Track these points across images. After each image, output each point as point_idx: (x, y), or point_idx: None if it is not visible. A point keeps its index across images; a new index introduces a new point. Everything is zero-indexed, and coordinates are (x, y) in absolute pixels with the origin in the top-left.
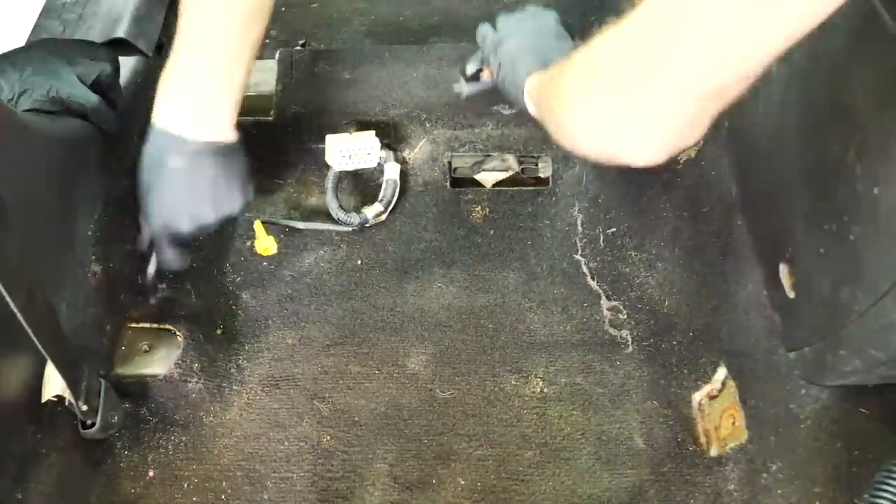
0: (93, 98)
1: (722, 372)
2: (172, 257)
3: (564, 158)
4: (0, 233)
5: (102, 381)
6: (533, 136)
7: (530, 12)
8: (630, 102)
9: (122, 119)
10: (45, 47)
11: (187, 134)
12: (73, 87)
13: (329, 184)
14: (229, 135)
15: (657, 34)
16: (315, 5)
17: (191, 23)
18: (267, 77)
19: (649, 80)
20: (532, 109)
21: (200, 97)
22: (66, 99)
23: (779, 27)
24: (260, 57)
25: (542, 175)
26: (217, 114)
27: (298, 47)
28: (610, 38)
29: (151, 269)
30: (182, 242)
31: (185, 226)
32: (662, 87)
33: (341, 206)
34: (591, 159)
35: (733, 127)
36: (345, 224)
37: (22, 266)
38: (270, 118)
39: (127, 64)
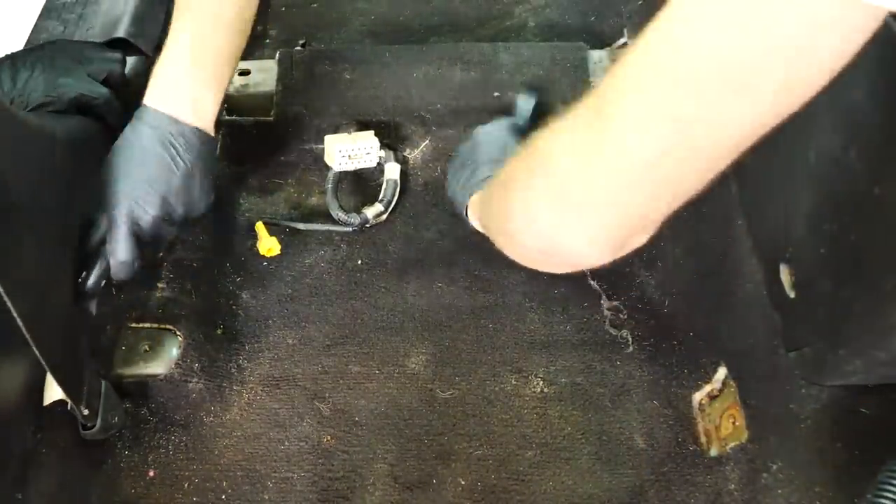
0: (104, 91)
1: (722, 372)
2: (124, 252)
3: None
4: (5, 234)
5: (103, 381)
6: None
7: (488, 126)
8: (566, 193)
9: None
10: (54, 47)
11: (180, 116)
12: (83, 83)
13: (329, 184)
14: (211, 130)
15: (602, 118)
16: (315, 5)
17: (185, 14)
18: (267, 77)
19: (589, 166)
20: (475, 223)
21: (194, 86)
22: (76, 96)
23: (746, 116)
24: (260, 57)
25: None
26: (207, 105)
27: (298, 47)
28: (551, 130)
29: (95, 272)
30: (141, 234)
31: (152, 210)
32: (604, 176)
33: (341, 207)
34: (531, 266)
35: None
36: (345, 224)
37: (22, 267)
38: (270, 118)
39: (127, 64)
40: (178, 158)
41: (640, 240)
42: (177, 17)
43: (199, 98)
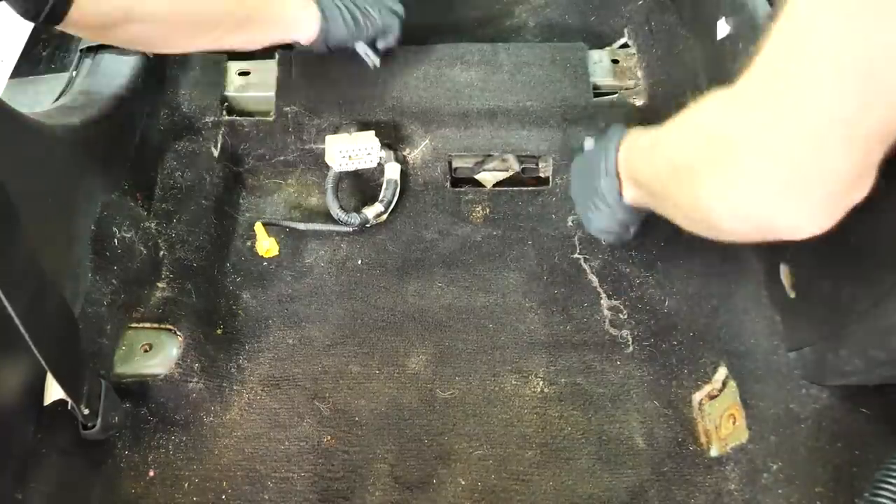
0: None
1: (722, 372)
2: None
3: (565, 159)
4: (4, 234)
5: (103, 381)
6: (533, 137)
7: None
8: (782, 159)
9: (122, 118)
10: None
11: None
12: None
13: (329, 184)
14: None
15: (795, 71)
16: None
17: None
18: (267, 77)
19: (800, 124)
20: (631, 193)
21: None
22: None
23: None
24: (260, 57)
25: (542, 175)
26: None
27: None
28: (730, 93)
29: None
30: None
31: None
32: (817, 130)
33: (341, 207)
34: (741, 239)
35: None
36: (345, 224)
37: (23, 268)
38: (270, 118)
39: (127, 64)
40: None
41: (862, 192)
42: None
43: None
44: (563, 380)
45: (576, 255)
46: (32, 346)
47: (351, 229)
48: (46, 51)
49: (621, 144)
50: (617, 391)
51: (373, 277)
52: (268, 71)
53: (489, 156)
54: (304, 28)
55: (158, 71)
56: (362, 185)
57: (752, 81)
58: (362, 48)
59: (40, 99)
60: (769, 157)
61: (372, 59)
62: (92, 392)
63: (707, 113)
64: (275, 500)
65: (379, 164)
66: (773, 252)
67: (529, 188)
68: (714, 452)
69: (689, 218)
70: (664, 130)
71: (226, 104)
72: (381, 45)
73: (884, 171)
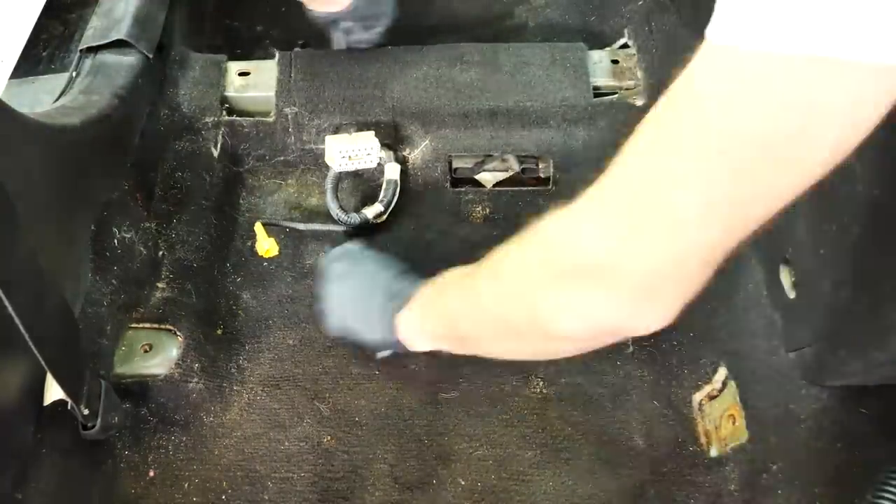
0: None
1: (722, 372)
2: None
3: (565, 159)
4: (4, 234)
5: (102, 381)
6: (533, 137)
7: (335, 263)
8: (640, 274)
9: (122, 118)
10: None
11: None
12: None
13: (329, 184)
14: None
15: (659, 194)
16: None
17: None
18: (267, 77)
19: (662, 248)
20: (411, 338)
21: None
22: None
23: (792, 183)
24: (260, 57)
25: (542, 175)
26: None
27: (298, 47)
28: (578, 205)
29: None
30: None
31: None
32: (678, 255)
33: (341, 207)
34: (571, 348)
35: None
36: (345, 224)
37: (23, 268)
38: (270, 118)
39: (127, 64)
40: None
41: (691, 295)
42: None
43: None
44: (563, 380)
45: None
46: (32, 346)
47: (351, 229)
48: (46, 51)
49: (405, 307)
50: (617, 391)
51: None
52: (268, 71)
53: (489, 156)
54: None
55: (158, 71)
56: (362, 186)
57: (608, 193)
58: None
59: (40, 99)
60: (625, 271)
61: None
62: (92, 392)
63: (551, 227)
64: (275, 500)
65: (379, 164)
66: (773, 252)
67: (529, 188)
68: (714, 452)
69: (517, 337)
70: (483, 261)
71: (226, 104)
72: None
73: (884, 174)
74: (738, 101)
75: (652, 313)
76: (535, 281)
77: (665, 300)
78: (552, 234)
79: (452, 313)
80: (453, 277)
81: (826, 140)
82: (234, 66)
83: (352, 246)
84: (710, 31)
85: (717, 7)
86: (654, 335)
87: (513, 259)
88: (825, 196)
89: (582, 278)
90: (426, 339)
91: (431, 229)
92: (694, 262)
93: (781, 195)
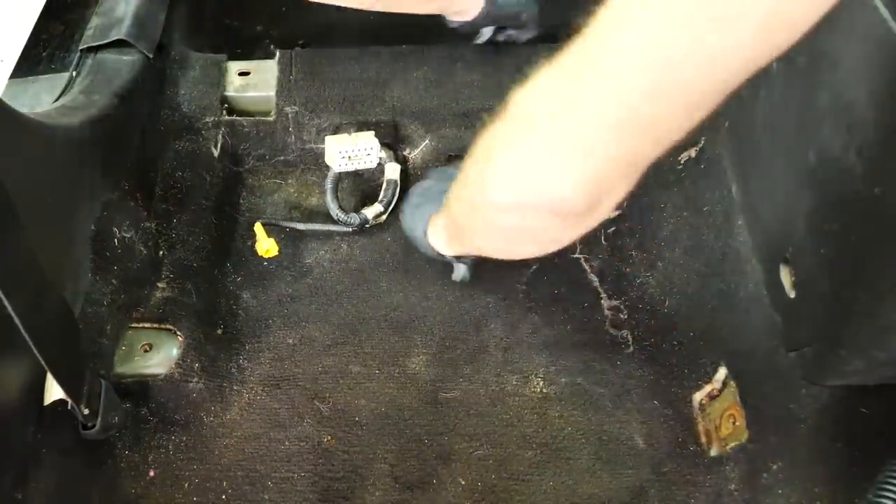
0: None
1: (722, 372)
2: None
3: None
4: (3, 234)
5: (103, 381)
6: None
7: (433, 174)
8: (550, 140)
9: (122, 118)
10: None
11: None
12: None
13: (329, 184)
14: None
15: (586, 63)
16: (315, 5)
17: None
18: (267, 77)
19: (573, 111)
20: (439, 245)
21: None
22: None
23: (729, 51)
24: (260, 57)
25: None
26: None
27: (298, 47)
28: (529, 85)
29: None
30: None
31: None
32: (590, 119)
33: (341, 207)
34: (506, 253)
35: (733, 126)
36: (345, 224)
37: (21, 268)
38: (270, 118)
39: (127, 64)
40: None
41: (620, 193)
42: None
43: None
44: (563, 380)
45: (576, 255)
46: (32, 346)
47: (351, 229)
48: (46, 51)
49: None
50: (617, 391)
51: (373, 277)
52: (268, 71)
53: None
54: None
55: (158, 71)
56: (362, 186)
57: (563, 56)
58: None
59: (40, 99)
60: (554, 127)
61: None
62: (92, 392)
63: (515, 95)
64: (275, 500)
65: (379, 164)
66: (773, 252)
67: None
68: (714, 452)
69: (473, 206)
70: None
71: (226, 104)
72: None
73: (884, 173)
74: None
75: (566, 181)
76: (491, 146)
77: (581, 174)
78: (512, 100)
79: (451, 209)
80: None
81: (767, 3)
82: (234, 66)
83: (449, 170)
84: None
85: None
86: (654, 335)
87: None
88: (825, 196)
89: (525, 127)
90: (445, 242)
91: None
92: (616, 132)
93: (714, 64)
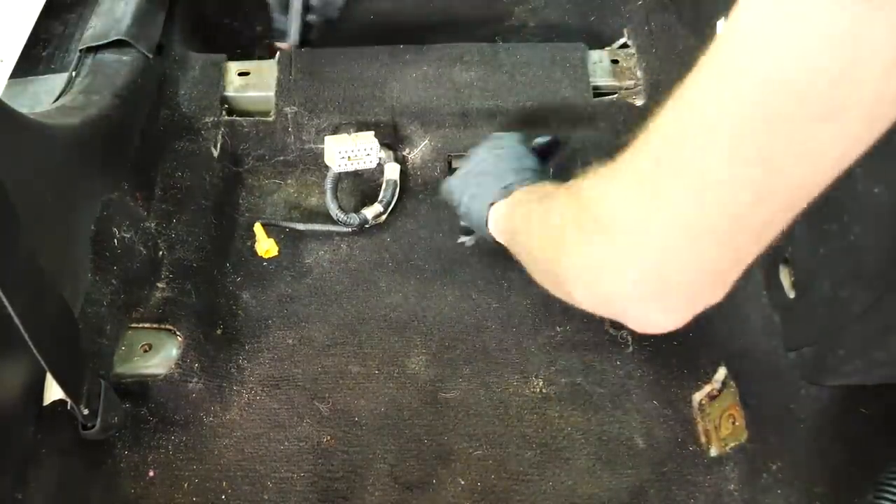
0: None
1: (722, 372)
2: None
3: (565, 159)
4: (3, 234)
5: (102, 381)
6: (533, 137)
7: (491, 141)
8: (634, 257)
9: (122, 118)
10: None
11: None
12: None
13: (329, 184)
14: None
15: (668, 165)
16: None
17: None
18: (267, 77)
19: (659, 223)
20: (501, 239)
21: None
22: None
23: (836, 144)
24: (260, 57)
25: None
26: None
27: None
28: (600, 179)
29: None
30: None
31: None
32: (679, 233)
33: (341, 207)
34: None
35: None
36: (344, 224)
37: (21, 268)
38: (270, 118)
39: (127, 64)
40: None
41: (718, 296)
42: None
43: None
44: (563, 380)
45: None
46: (32, 346)
47: (350, 230)
48: (46, 51)
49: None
50: (617, 391)
51: (372, 278)
52: (268, 71)
53: None
54: None
55: (158, 71)
56: (362, 186)
57: (638, 155)
58: None
59: (40, 99)
60: (638, 241)
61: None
62: (91, 392)
63: (587, 184)
64: (275, 500)
65: (378, 164)
66: (773, 252)
67: None
68: (714, 452)
69: (553, 287)
70: (549, 191)
71: (225, 104)
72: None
73: (883, 173)
74: (773, 39)
75: (657, 308)
76: (561, 234)
77: (672, 297)
78: (584, 189)
79: (514, 227)
80: (529, 196)
81: (873, 88)
82: (234, 66)
83: (510, 136)
84: None
85: None
86: (654, 335)
87: (555, 204)
88: (825, 196)
89: (600, 239)
90: (501, 236)
91: (431, 229)
92: (712, 239)
93: (820, 160)
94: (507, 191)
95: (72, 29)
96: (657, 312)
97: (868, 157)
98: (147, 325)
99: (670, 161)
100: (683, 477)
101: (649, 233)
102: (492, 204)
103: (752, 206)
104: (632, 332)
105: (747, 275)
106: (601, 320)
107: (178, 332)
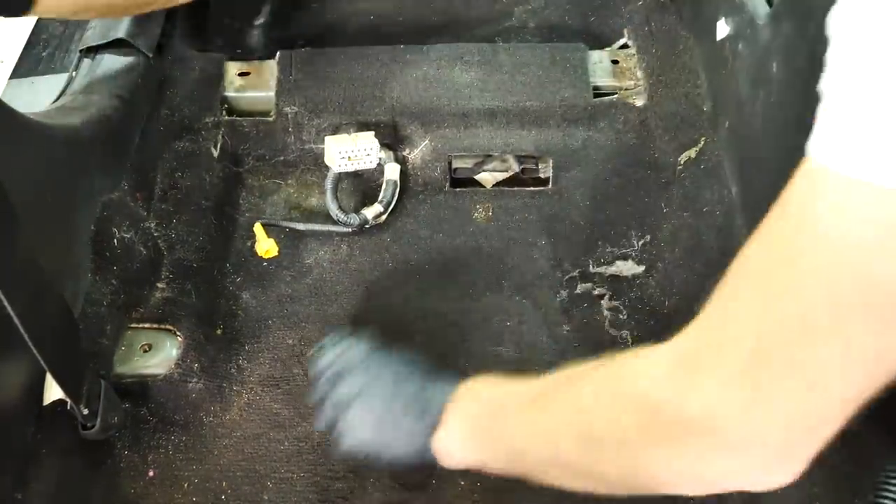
0: None
1: None
2: None
3: (565, 159)
4: (3, 234)
5: (102, 381)
6: (533, 137)
7: (336, 364)
8: (767, 439)
9: (122, 118)
10: None
11: None
12: None
13: (328, 185)
14: None
15: (772, 343)
16: (315, 5)
17: None
18: (267, 77)
19: (794, 407)
20: (462, 463)
21: None
22: None
23: None
24: (260, 57)
25: (542, 175)
26: None
27: (298, 47)
28: (675, 357)
29: None
30: None
31: None
32: (814, 412)
33: (341, 207)
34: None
35: (733, 126)
36: (344, 225)
37: (23, 268)
38: (270, 118)
39: (127, 64)
40: None
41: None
42: None
43: None
44: None
45: (576, 256)
46: (32, 347)
47: (350, 230)
48: (46, 51)
49: (455, 398)
50: None
51: (372, 278)
52: (268, 71)
53: (489, 156)
54: None
55: (158, 71)
56: (362, 186)
57: (725, 348)
58: None
59: (40, 99)
60: (752, 435)
61: None
62: (92, 392)
63: (645, 378)
64: (275, 500)
65: (378, 164)
66: None
67: (529, 188)
68: None
69: (606, 486)
70: (554, 387)
71: (225, 104)
72: None
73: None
74: (885, 245)
75: (784, 472)
76: (634, 441)
77: (799, 456)
78: (650, 389)
79: (518, 447)
80: (511, 400)
81: None
82: (234, 66)
83: (357, 346)
84: (829, 156)
85: (832, 127)
86: (654, 335)
87: (602, 411)
88: None
89: (698, 441)
90: (472, 460)
91: (431, 230)
92: (832, 415)
93: None
94: (437, 416)
95: (72, 29)
96: (778, 482)
97: None
98: (147, 325)
99: (773, 356)
100: None
101: (759, 429)
102: (432, 431)
103: (865, 387)
104: (632, 332)
105: None
106: (601, 320)
107: (178, 333)
